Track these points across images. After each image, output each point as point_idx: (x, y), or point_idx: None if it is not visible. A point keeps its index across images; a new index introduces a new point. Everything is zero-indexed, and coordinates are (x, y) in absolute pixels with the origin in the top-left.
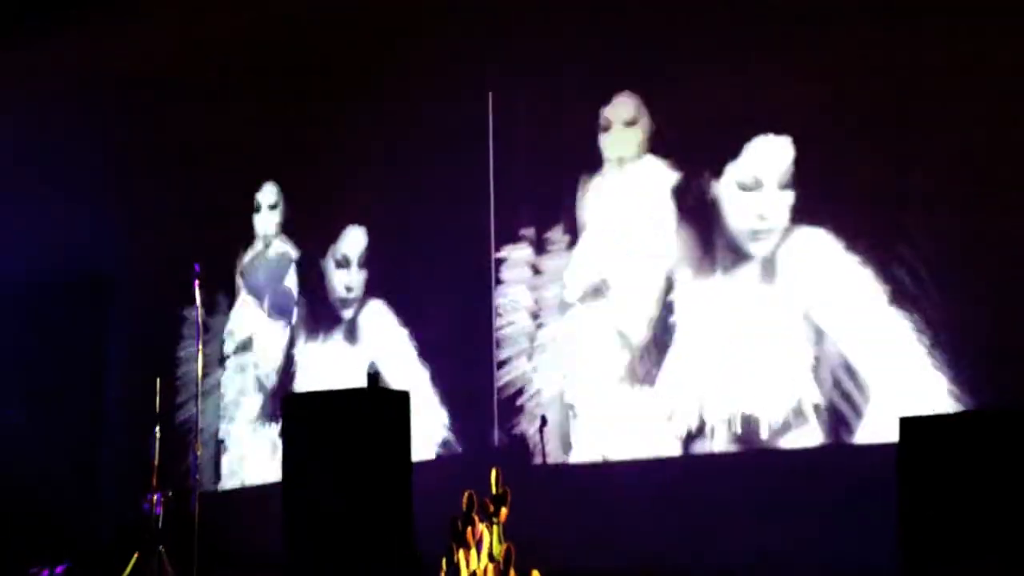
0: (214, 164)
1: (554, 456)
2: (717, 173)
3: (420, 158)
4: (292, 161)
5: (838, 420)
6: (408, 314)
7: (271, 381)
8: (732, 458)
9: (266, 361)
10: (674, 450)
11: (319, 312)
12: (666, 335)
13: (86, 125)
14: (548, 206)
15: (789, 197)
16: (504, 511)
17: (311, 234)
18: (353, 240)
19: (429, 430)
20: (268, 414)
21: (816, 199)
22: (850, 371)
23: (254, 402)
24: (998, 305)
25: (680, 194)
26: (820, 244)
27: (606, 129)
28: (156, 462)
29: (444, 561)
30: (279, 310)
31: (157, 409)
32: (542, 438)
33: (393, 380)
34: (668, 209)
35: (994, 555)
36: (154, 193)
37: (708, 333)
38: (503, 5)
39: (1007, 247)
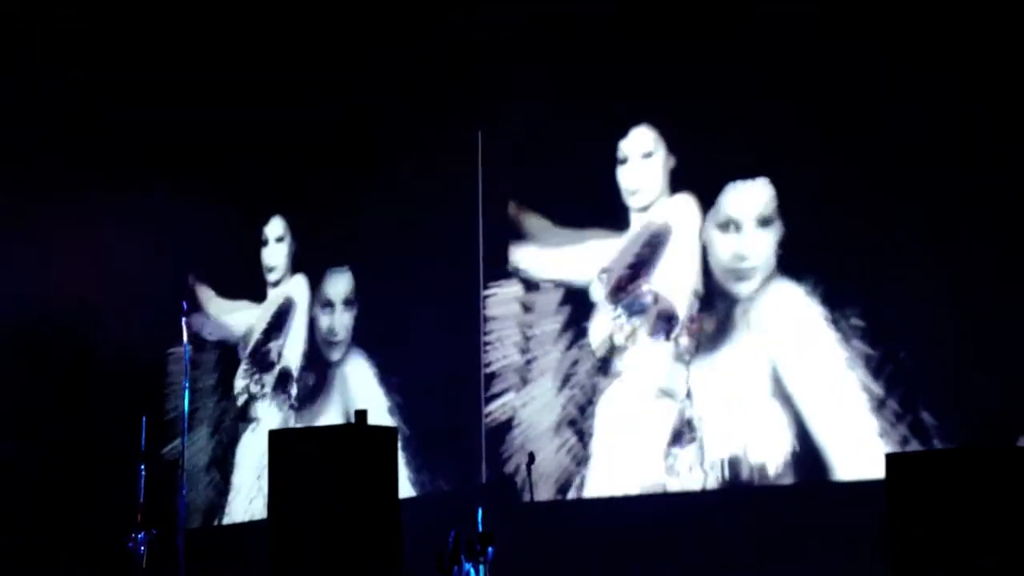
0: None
1: (542, 494)
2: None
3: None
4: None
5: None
6: (395, 351)
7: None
8: (719, 495)
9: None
10: (666, 487)
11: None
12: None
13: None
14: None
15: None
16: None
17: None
18: (337, 283)
19: (414, 467)
20: None
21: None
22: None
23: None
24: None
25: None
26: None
27: (623, 162)
28: (142, 500)
29: None
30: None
31: (143, 447)
32: (529, 475)
33: (379, 417)
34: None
35: None
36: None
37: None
38: (492, 46)
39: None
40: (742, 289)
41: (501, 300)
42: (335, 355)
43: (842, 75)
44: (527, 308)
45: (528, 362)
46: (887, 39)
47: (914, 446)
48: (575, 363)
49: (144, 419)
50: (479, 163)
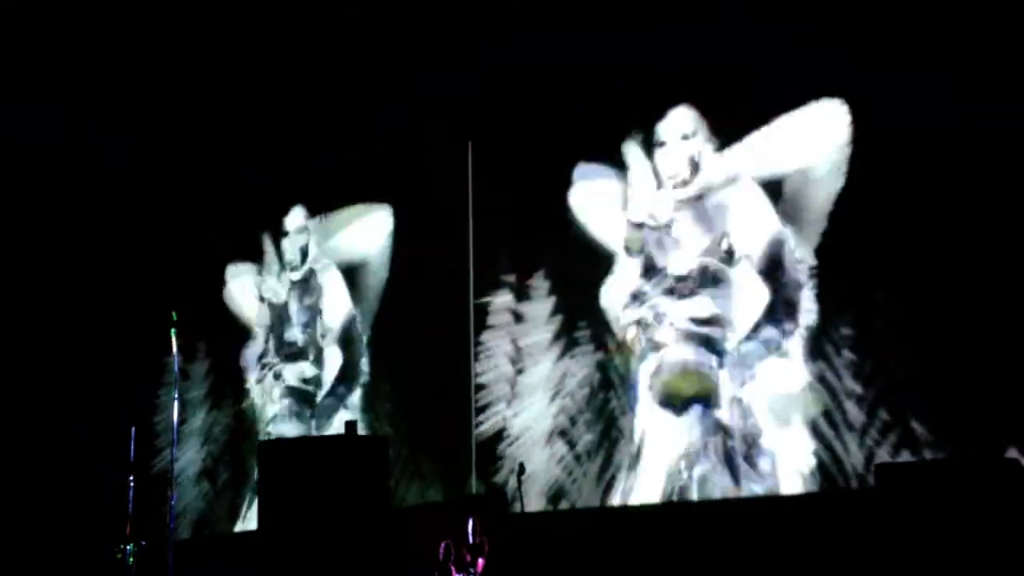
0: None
1: (533, 505)
2: None
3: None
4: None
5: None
6: (388, 359)
7: None
8: (711, 507)
9: None
10: (655, 499)
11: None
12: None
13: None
14: (528, 253)
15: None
16: (481, 561)
17: None
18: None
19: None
20: None
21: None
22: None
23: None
24: None
25: None
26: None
27: (661, 145)
28: (131, 511)
29: None
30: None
31: (132, 457)
32: (520, 486)
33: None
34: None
35: None
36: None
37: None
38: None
39: None
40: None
41: (492, 310)
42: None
43: None
44: (518, 318)
45: (519, 372)
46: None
47: (905, 456)
48: (565, 374)
49: (133, 430)
50: (469, 173)
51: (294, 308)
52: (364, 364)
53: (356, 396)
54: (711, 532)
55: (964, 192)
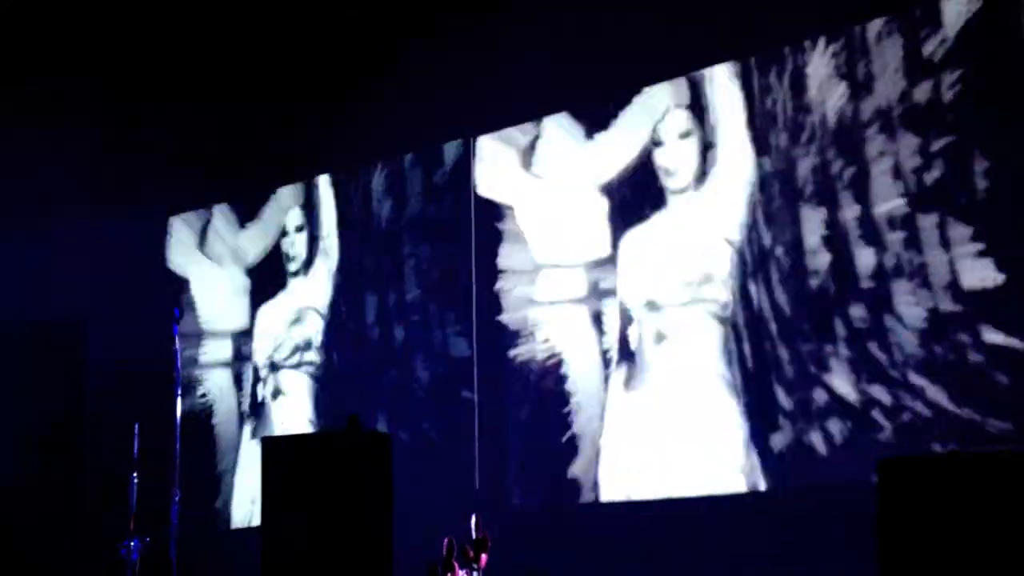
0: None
1: (538, 498)
2: None
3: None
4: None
5: None
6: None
7: None
8: (712, 501)
9: None
10: (659, 493)
11: None
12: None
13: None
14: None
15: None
16: (484, 557)
17: None
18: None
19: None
20: None
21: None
22: None
23: None
24: None
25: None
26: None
27: (659, 144)
28: (135, 507)
29: None
30: None
31: (136, 454)
32: (524, 479)
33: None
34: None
35: None
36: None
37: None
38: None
39: None
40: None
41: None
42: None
43: None
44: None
45: (525, 363)
46: None
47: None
48: (570, 367)
49: (137, 426)
50: (472, 167)
51: None
52: None
53: None
54: (710, 527)
55: None
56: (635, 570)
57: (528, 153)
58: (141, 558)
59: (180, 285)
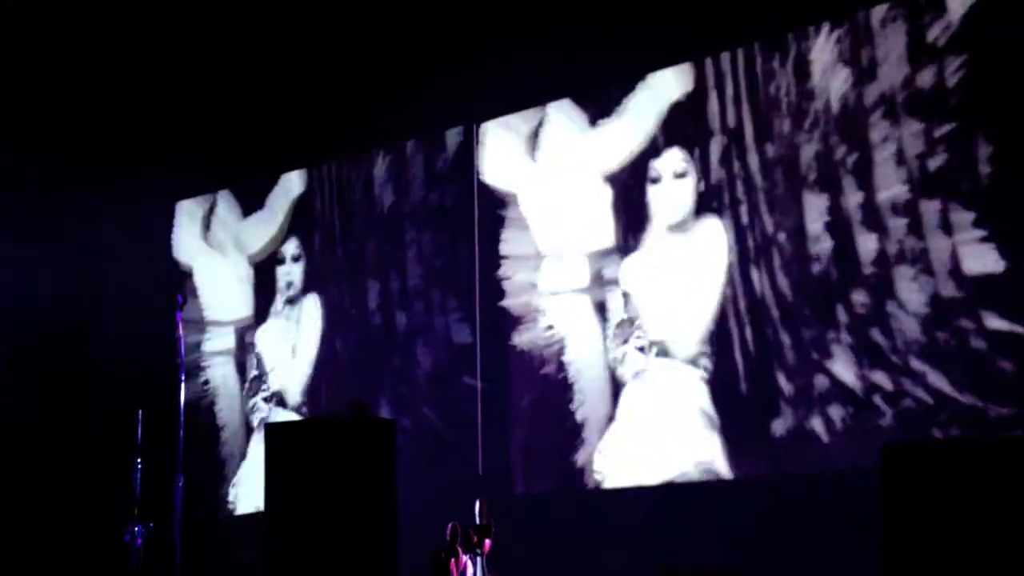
0: None
1: (540, 485)
2: None
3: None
4: None
5: None
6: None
7: None
8: (711, 487)
9: None
10: (657, 479)
11: None
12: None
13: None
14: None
15: None
16: (488, 542)
17: None
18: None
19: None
20: None
21: None
22: None
23: None
24: None
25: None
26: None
27: (655, 181)
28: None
29: None
30: None
31: (139, 440)
32: (527, 466)
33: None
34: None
35: None
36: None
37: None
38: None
39: None
40: None
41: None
42: None
43: None
44: (528, 296)
45: (528, 351)
46: None
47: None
48: (575, 353)
49: (140, 413)
50: (475, 156)
51: None
52: None
53: None
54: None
55: None
56: (637, 554)
57: (531, 140)
58: (145, 544)
59: (184, 273)
